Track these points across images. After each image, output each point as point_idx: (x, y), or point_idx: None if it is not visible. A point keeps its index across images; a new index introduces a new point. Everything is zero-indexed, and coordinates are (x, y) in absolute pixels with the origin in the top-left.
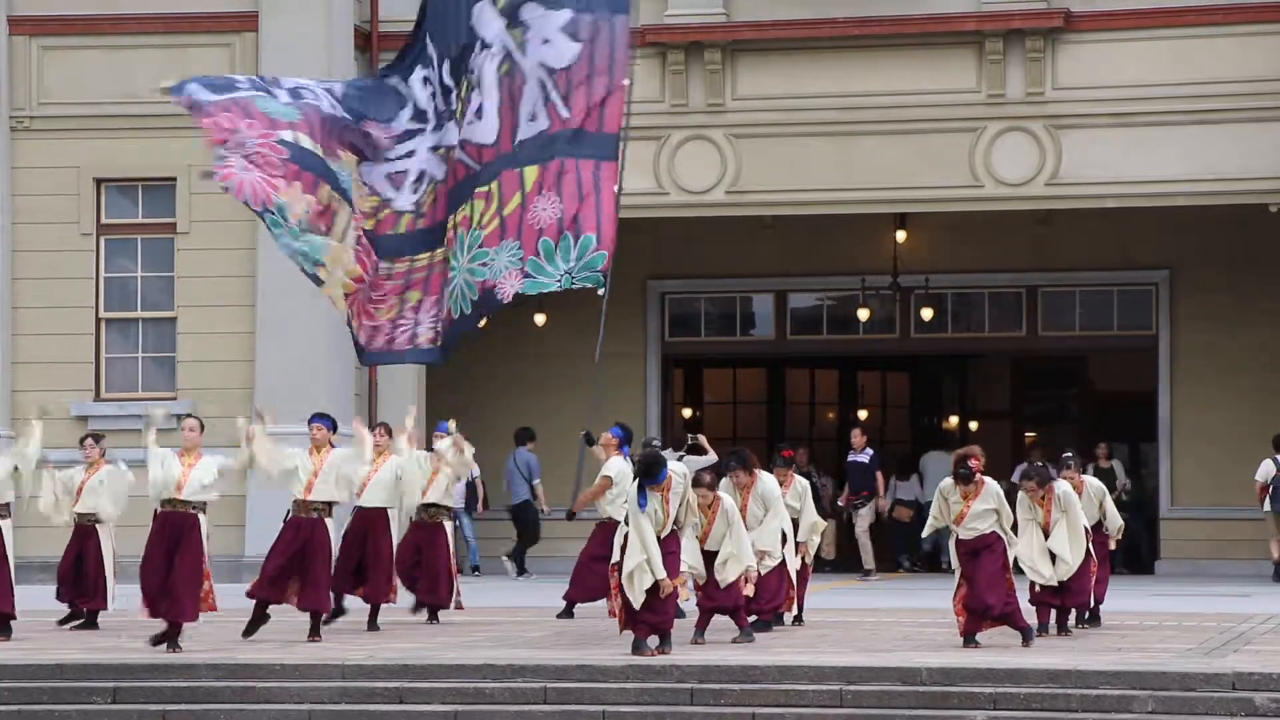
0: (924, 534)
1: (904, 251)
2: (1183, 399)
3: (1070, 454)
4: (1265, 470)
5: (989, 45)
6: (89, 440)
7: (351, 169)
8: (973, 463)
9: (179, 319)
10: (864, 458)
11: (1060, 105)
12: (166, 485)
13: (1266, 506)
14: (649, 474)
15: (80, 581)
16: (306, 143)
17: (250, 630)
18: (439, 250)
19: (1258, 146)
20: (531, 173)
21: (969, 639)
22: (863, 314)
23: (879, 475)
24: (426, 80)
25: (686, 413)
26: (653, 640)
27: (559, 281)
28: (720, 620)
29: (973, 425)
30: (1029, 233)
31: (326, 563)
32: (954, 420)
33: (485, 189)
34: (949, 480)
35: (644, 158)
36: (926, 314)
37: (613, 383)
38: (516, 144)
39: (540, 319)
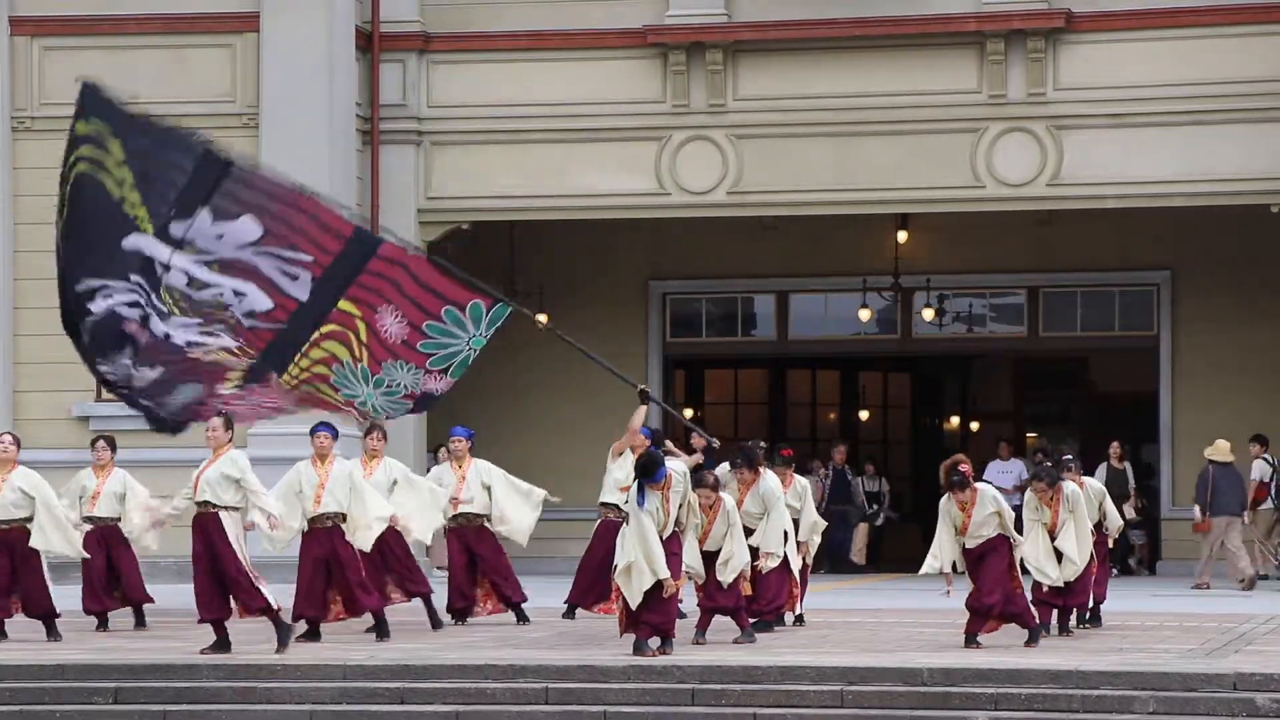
0: (923, 569)
1: (905, 252)
2: (1184, 400)
3: (1070, 455)
4: (1261, 470)
5: (990, 46)
6: (101, 443)
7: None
8: (963, 468)
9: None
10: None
11: (1061, 106)
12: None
13: (1268, 505)
14: (646, 473)
15: (113, 584)
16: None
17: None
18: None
19: (1259, 147)
20: (347, 305)
21: (970, 639)
22: (864, 314)
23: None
24: (93, 295)
25: (688, 413)
26: (654, 641)
27: (470, 345)
28: (721, 620)
29: (974, 426)
30: (1030, 233)
31: (358, 568)
32: (955, 421)
33: (322, 331)
34: (945, 498)
35: (645, 158)
36: (928, 314)
37: (613, 384)
38: (305, 301)
39: (543, 318)
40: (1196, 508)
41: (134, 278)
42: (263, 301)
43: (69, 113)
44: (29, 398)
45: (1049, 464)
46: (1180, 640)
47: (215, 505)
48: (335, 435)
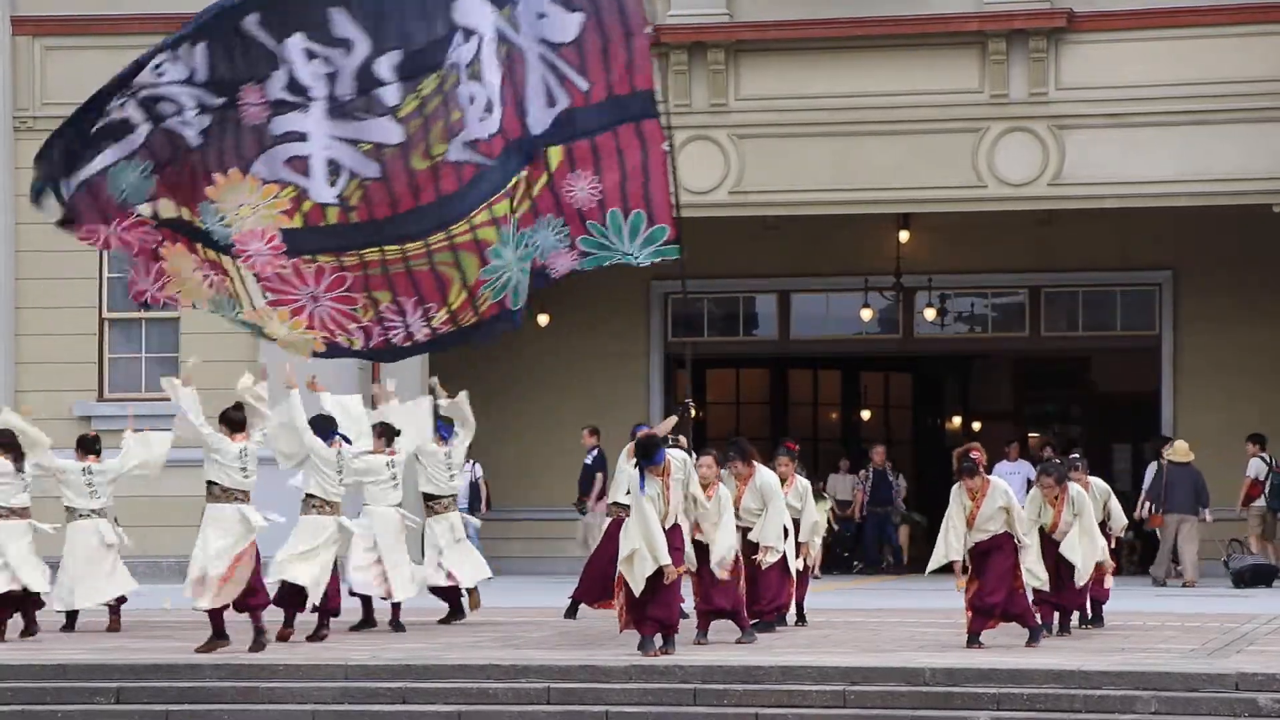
0: (930, 564)
1: (907, 252)
2: (1185, 400)
3: (1077, 454)
4: (1256, 468)
5: (992, 45)
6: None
7: (229, 195)
8: (975, 455)
9: (182, 319)
10: (589, 460)
11: (1063, 106)
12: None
13: (1260, 502)
14: (646, 455)
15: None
16: (168, 210)
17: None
18: (390, 248)
19: (1260, 147)
20: (556, 152)
21: (973, 638)
22: (865, 314)
23: (599, 477)
24: (311, 55)
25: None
26: (657, 640)
27: (620, 255)
28: (723, 620)
29: (975, 426)
30: (1032, 233)
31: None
32: (956, 421)
33: (512, 183)
34: (956, 486)
35: None
36: (929, 314)
37: (615, 382)
38: (538, 132)
39: (544, 319)
40: (1148, 505)
41: (397, 49)
42: (492, 124)
43: (71, 112)
44: (30, 397)
45: (1056, 460)
46: (1182, 640)
47: (236, 496)
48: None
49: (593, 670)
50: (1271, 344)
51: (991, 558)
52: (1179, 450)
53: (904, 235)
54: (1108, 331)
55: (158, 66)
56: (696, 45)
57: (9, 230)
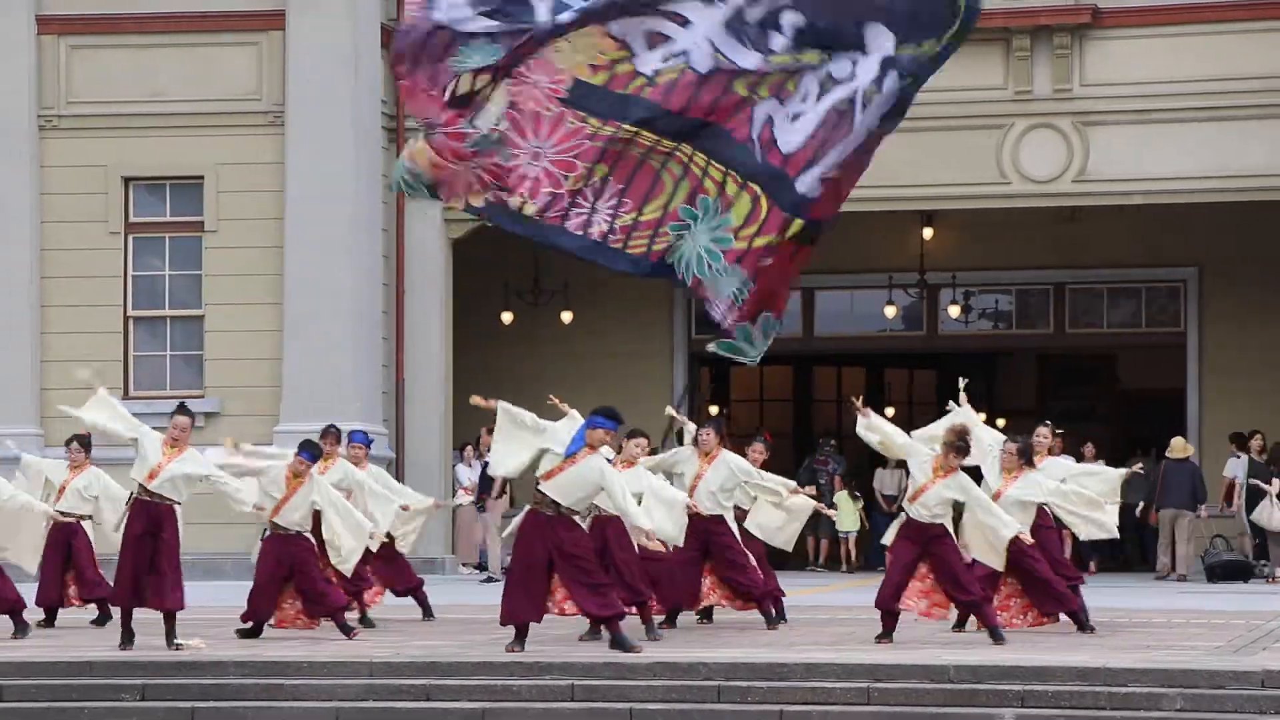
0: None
1: (931, 249)
2: (1211, 397)
3: (1047, 425)
4: (1233, 468)
5: (1016, 42)
6: (74, 444)
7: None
8: (970, 440)
9: (206, 317)
10: (490, 458)
11: (1088, 102)
12: (141, 471)
13: (1239, 508)
14: (609, 415)
15: (72, 577)
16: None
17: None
18: (647, 134)
19: None
20: (797, 227)
21: (995, 633)
22: (889, 311)
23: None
24: None
25: (713, 410)
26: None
27: (747, 358)
28: (738, 616)
29: (1000, 423)
30: (1056, 230)
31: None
32: (981, 418)
33: (756, 191)
34: (934, 451)
35: None
36: (953, 311)
37: (637, 380)
38: (798, 190)
39: (567, 317)
40: (1142, 503)
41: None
42: (788, 135)
43: (96, 111)
44: (56, 395)
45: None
46: (1208, 637)
47: (170, 499)
48: (313, 459)
49: (617, 667)
50: None
51: (945, 553)
52: (1176, 447)
53: (928, 232)
54: (1133, 328)
55: None
56: None
57: (34, 229)
